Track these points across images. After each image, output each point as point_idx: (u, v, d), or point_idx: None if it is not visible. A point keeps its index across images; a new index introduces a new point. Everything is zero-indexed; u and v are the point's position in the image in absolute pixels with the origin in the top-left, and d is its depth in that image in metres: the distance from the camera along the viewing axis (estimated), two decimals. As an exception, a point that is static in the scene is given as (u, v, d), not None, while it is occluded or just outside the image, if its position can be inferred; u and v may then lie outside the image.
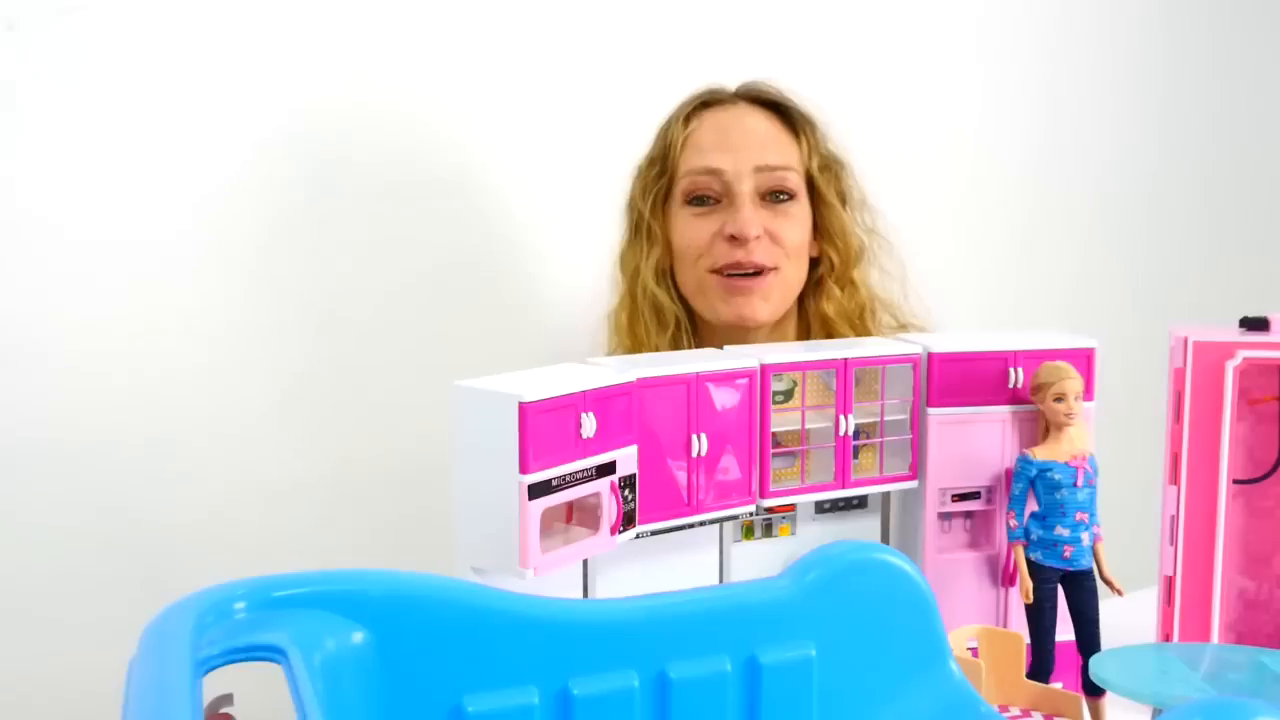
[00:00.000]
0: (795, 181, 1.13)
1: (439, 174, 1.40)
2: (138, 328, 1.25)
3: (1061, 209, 1.87)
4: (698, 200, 1.13)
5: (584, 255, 1.32)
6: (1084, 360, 0.85)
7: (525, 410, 0.66)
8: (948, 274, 1.70)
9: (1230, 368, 0.87)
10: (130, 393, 1.25)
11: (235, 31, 1.27)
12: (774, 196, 1.12)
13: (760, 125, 1.15)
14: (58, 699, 1.21)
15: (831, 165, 1.17)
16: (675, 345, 1.15)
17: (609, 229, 1.23)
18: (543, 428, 0.67)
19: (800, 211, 1.14)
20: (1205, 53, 2.01)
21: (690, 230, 1.13)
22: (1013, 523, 0.81)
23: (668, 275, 1.16)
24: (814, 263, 1.18)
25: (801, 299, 1.19)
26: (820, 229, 1.16)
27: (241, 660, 0.40)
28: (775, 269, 1.11)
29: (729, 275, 1.11)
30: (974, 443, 0.86)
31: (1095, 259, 1.91)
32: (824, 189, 1.15)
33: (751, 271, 1.10)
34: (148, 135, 1.23)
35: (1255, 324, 0.89)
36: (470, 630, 0.47)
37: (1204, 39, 2.01)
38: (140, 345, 1.25)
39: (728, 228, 1.10)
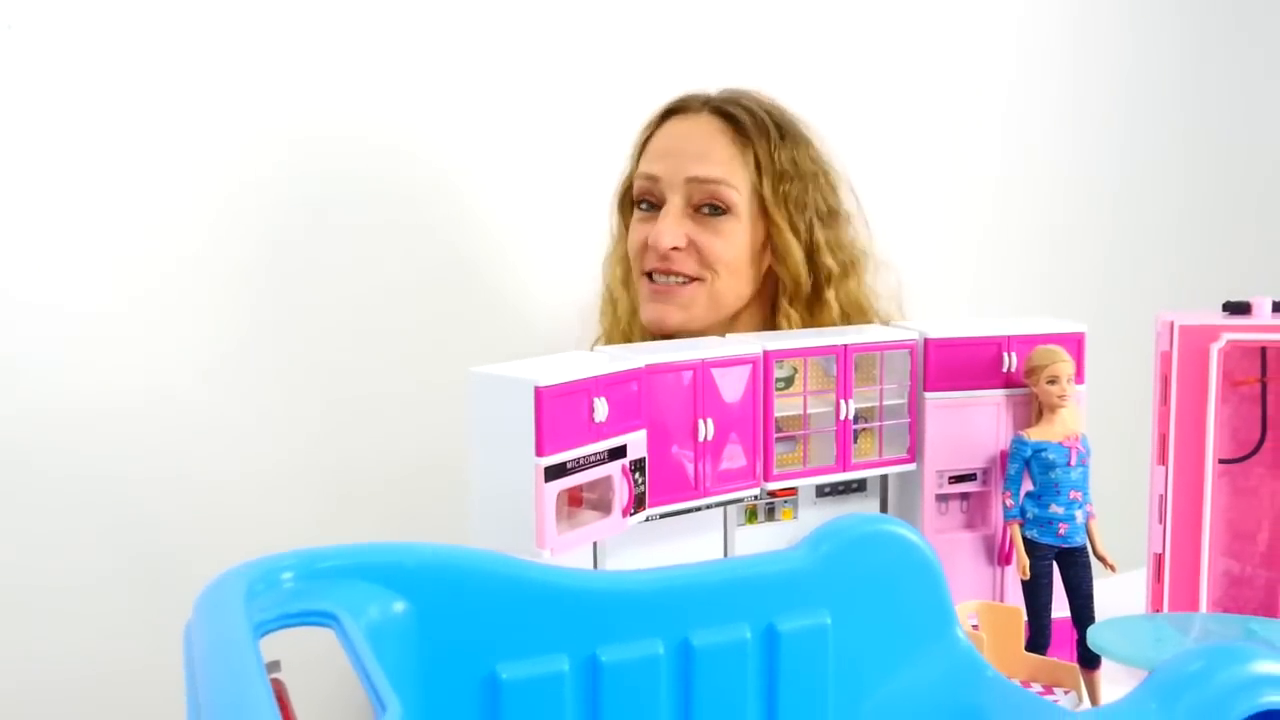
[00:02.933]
0: (731, 197, 1.10)
1: (433, 178, 1.41)
2: (136, 329, 1.26)
3: (1044, 203, 1.91)
4: (643, 204, 1.14)
5: (572, 257, 1.35)
6: (1074, 344, 0.88)
7: (541, 395, 0.68)
8: (934, 268, 1.73)
9: (1215, 350, 0.89)
10: (129, 392, 1.26)
11: (233, 40, 1.28)
12: (707, 209, 1.10)
13: (709, 137, 1.12)
14: (60, 692, 1.23)
15: (792, 181, 1.12)
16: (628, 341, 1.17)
17: (595, 231, 1.25)
18: (557, 412, 0.69)
19: (733, 227, 1.10)
20: (1184, 46, 2.05)
21: (634, 234, 1.15)
22: (1009, 502, 0.84)
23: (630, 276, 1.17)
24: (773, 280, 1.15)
25: (775, 311, 1.15)
26: (772, 248, 1.12)
27: (295, 625, 0.42)
28: (699, 280, 1.10)
29: (654, 282, 1.11)
30: (969, 425, 0.88)
31: (1078, 252, 1.94)
32: (772, 208, 1.11)
33: (673, 280, 1.10)
34: (146, 139, 1.25)
35: (1237, 308, 0.92)
36: (504, 600, 0.49)
37: (1185, 33, 2.05)
38: (138, 347, 1.26)
39: (650, 236, 1.11)
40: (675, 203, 1.10)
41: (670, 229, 1.09)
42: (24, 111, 1.19)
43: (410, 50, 1.38)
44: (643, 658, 0.51)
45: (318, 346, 1.36)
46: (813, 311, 1.12)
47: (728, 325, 1.14)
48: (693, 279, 1.10)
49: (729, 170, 1.10)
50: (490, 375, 0.70)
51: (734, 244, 1.10)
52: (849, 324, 1.13)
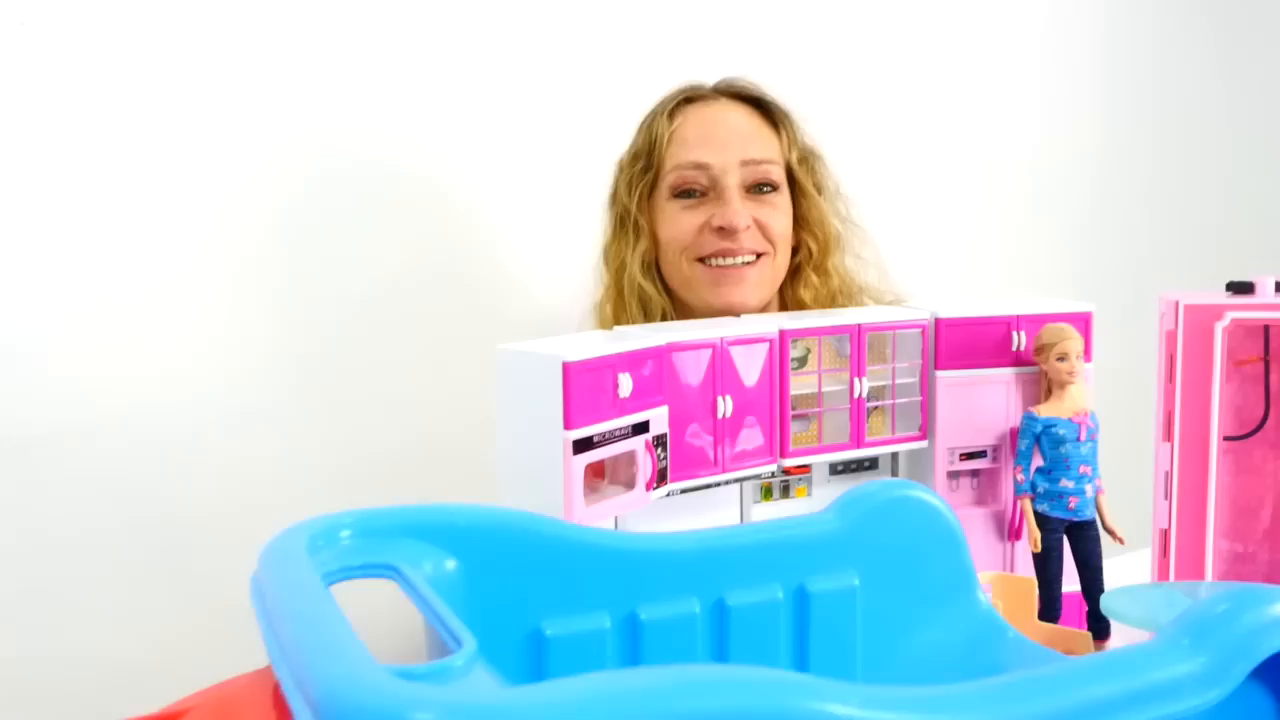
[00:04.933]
0: (777, 174, 1.16)
1: (432, 174, 1.43)
2: (153, 320, 1.28)
3: (1051, 187, 1.93)
4: (685, 194, 1.15)
5: (569, 250, 1.36)
6: (1082, 323, 0.89)
7: (568, 370, 0.69)
8: (941, 250, 1.75)
9: (1219, 329, 0.91)
10: (147, 383, 1.28)
11: (237, 44, 1.30)
12: (758, 189, 1.15)
13: (743, 120, 1.17)
14: (82, 675, 1.24)
15: (808, 157, 1.21)
16: None
17: (592, 224, 1.26)
18: (584, 386, 0.71)
19: (783, 202, 1.17)
20: (1191, 32, 2.08)
21: (677, 223, 1.15)
22: (1020, 477, 0.86)
23: (653, 267, 1.18)
24: (792, 251, 1.21)
25: (782, 287, 1.22)
26: (799, 219, 1.19)
27: (357, 577, 0.43)
28: (765, 254, 1.15)
29: (716, 266, 1.14)
30: (980, 403, 0.90)
31: (1083, 234, 1.97)
32: (803, 180, 1.18)
33: (741, 261, 1.13)
34: (161, 129, 1.26)
35: (1241, 288, 0.94)
36: (548, 560, 0.51)
37: (1192, 17, 2.07)
38: (156, 338, 1.28)
39: (716, 220, 1.13)
40: (733, 185, 1.13)
41: (741, 210, 1.13)
42: (35, 109, 1.20)
43: (409, 56, 1.40)
44: (680, 615, 0.53)
45: (331, 336, 1.38)
46: (820, 280, 1.18)
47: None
48: (759, 255, 1.14)
49: (771, 150, 1.16)
50: (519, 352, 0.72)
51: (786, 218, 1.17)
52: (846, 292, 1.20)
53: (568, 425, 0.69)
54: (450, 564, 0.48)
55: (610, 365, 0.73)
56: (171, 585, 1.31)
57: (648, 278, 1.16)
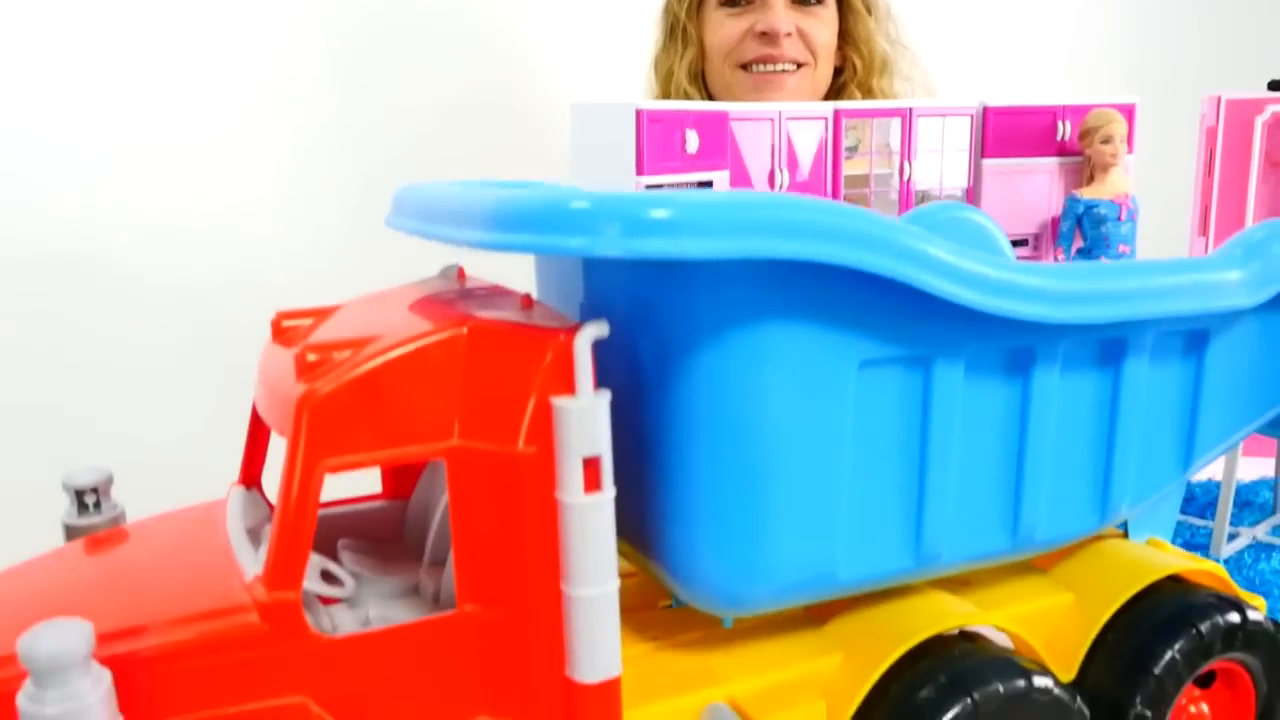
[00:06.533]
0: None
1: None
2: (217, 149, 1.32)
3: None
4: (732, 2, 1.18)
5: (619, 68, 1.38)
6: (1126, 114, 0.92)
7: (641, 116, 0.73)
8: (982, 49, 1.75)
9: (1259, 123, 0.94)
10: (211, 201, 1.32)
11: None
12: (803, 0, 1.18)
13: None
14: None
15: None
16: None
17: (638, 46, 1.28)
18: (655, 137, 0.74)
19: (828, 15, 1.19)
20: None
21: (722, 29, 1.18)
22: (1060, 257, 0.89)
23: (700, 77, 1.22)
24: (837, 70, 1.24)
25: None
26: (845, 35, 1.21)
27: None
28: (806, 64, 1.18)
29: (758, 72, 1.17)
30: (1025, 191, 0.93)
31: (1131, 37, 1.96)
32: None
33: (781, 68, 1.16)
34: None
35: (1282, 86, 0.96)
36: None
37: None
38: (220, 164, 1.32)
39: (759, 25, 1.16)
40: None
41: (784, 15, 1.15)
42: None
43: None
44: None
45: (386, 158, 1.41)
46: (864, 99, 1.20)
47: None
48: (800, 65, 1.17)
49: None
50: (593, 105, 0.76)
51: (830, 30, 1.19)
52: None
53: (640, 170, 0.73)
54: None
55: (679, 120, 0.76)
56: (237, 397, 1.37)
57: (694, 85, 1.20)
